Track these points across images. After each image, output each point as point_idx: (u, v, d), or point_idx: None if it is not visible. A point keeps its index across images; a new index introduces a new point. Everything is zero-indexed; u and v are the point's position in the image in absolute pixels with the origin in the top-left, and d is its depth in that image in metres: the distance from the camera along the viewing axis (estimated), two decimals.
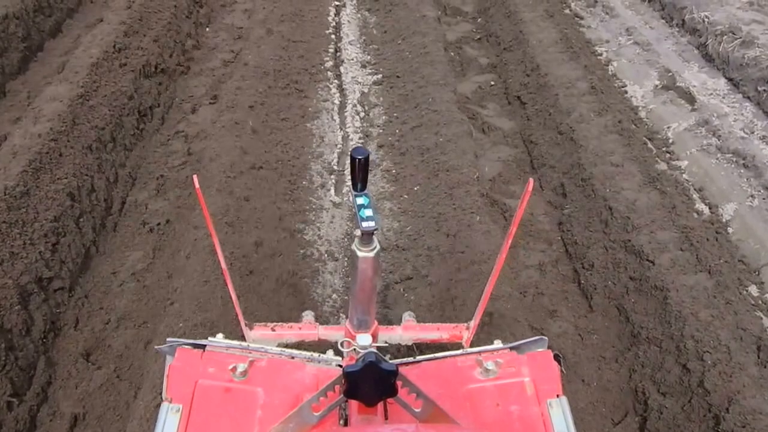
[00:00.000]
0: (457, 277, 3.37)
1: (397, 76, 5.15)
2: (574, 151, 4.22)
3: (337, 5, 6.47)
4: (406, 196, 3.99)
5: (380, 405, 1.60)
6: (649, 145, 4.61)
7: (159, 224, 3.97)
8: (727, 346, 2.92)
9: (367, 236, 1.64)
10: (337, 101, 4.91)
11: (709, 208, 4.10)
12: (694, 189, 4.26)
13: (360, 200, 1.62)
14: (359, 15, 6.38)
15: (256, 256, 3.49)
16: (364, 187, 1.62)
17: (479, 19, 6.64)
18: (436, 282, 3.41)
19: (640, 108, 5.18)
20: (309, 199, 3.94)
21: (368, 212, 1.60)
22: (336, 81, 5.15)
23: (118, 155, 4.25)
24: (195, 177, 1.70)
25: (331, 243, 3.80)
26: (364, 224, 1.60)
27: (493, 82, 5.58)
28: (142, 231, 3.93)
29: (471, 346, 2.09)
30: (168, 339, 1.77)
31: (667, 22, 6.54)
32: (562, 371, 1.80)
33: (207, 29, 6.31)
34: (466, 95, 5.31)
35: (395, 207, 3.95)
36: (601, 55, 5.98)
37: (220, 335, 1.87)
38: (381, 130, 4.62)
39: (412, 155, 4.25)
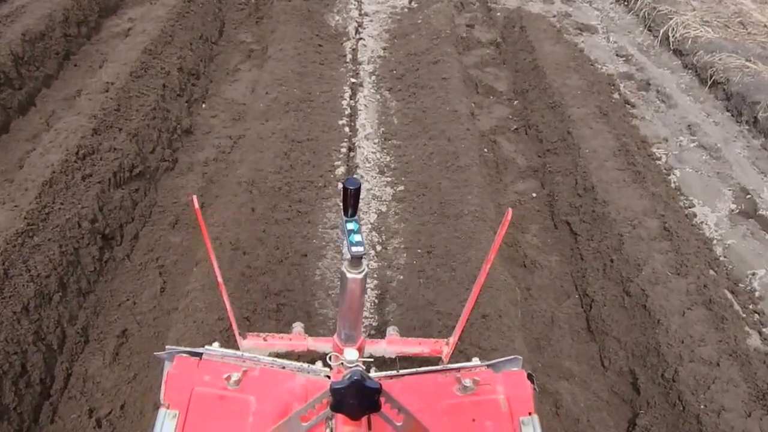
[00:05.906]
0: None
1: (423, 194, 4.22)
2: (650, 327, 3.29)
3: (353, 83, 5.56)
4: None
5: (365, 418, 1.60)
6: (735, 306, 3.68)
7: (111, 412, 3.06)
8: None
9: (356, 260, 1.69)
10: None
11: None
12: None
13: (350, 225, 1.69)
14: (378, 96, 5.47)
15: None
16: (354, 213, 1.70)
17: (515, 102, 5.74)
18: None
19: (714, 241, 4.26)
20: None
21: (357, 237, 1.67)
22: None
23: (68, 306, 3.33)
24: (194, 198, 1.93)
25: None
26: (354, 249, 1.65)
27: (534, 194, 4.66)
28: (86, 425, 3.01)
29: (450, 361, 2.24)
30: (167, 347, 1.84)
31: (733, 116, 5.63)
32: (535, 390, 1.84)
33: (203, 105, 5.42)
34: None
35: None
36: (660, 159, 5.07)
37: (216, 344, 1.90)
38: (401, 276, 3.68)
39: (438, 329, 3.31)
